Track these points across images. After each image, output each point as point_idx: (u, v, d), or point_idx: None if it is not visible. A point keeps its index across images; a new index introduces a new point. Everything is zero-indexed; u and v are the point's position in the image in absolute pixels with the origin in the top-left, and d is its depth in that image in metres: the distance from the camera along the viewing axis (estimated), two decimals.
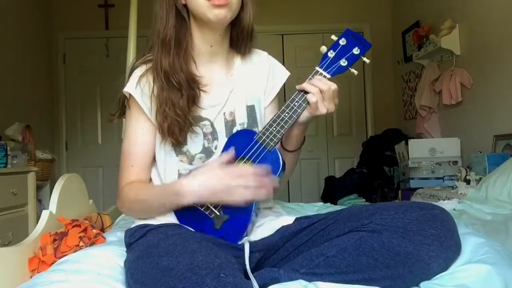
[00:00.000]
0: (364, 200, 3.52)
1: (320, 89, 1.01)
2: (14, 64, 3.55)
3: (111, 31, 4.33)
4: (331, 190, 3.88)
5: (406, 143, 3.21)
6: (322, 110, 1.03)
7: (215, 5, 1.01)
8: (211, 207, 1.00)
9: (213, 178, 0.96)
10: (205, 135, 1.09)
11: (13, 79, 3.51)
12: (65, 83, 4.42)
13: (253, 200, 0.97)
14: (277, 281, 0.89)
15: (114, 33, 4.23)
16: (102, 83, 4.38)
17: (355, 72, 1.07)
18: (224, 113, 1.11)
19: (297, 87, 1.05)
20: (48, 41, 4.31)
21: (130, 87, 1.09)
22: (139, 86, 1.09)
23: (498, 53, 2.73)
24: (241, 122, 1.12)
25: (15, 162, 2.63)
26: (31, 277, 1.07)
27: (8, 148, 2.53)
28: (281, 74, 1.23)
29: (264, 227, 1.05)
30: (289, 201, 3.45)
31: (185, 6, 1.08)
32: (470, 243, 0.91)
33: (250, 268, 0.93)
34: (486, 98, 2.88)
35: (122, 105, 1.15)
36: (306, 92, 1.03)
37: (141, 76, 1.09)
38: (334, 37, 1.08)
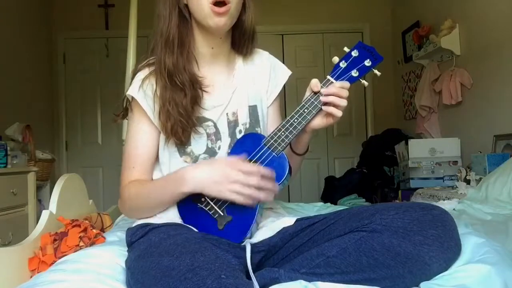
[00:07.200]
0: (364, 200, 3.52)
1: (345, 98, 1.01)
2: (14, 64, 3.55)
3: (111, 31, 4.34)
4: (331, 190, 3.88)
5: (406, 143, 3.20)
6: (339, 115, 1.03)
7: (215, 13, 1.02)
8: (215, 207, 1.00)
9: (217, 167, 0.97)
10: (208, 135, 1.10)
11: (13, 79, 3.51)
12: (65, 83, 4.42)
13: (252, 201, 0.95)
14: (277, 281, 0.88)
15: (114, 33, 4.23)
16: (102, 83, 4.39)
17: (366, 83, 1.07)
18: (227, 113, 1.12)
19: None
20: (48, 41, 4.30)
21: (133, 90, 1.09)
22: (142, 89, 1.09)
23: (498, 53, 2.73)
24: (244, 122, 1.13)
25: (15, 162, 2.63)
26: (31, 277, 1.08)
27: (8, 148, 2.53)
28: (283, 73, 1.24)
29: (265, 228, 1.05)
30: (289, 201, 3.46)
31: (187, 6, 1.08)
32: (470, 243, 0.91)
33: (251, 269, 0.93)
34: (486, 98, 2.88)
35: (125, 107, 1.16)
36: (318, 96, 1.03)
37: (144, 79, 1.09)
38: (346, 49, 1.08)
